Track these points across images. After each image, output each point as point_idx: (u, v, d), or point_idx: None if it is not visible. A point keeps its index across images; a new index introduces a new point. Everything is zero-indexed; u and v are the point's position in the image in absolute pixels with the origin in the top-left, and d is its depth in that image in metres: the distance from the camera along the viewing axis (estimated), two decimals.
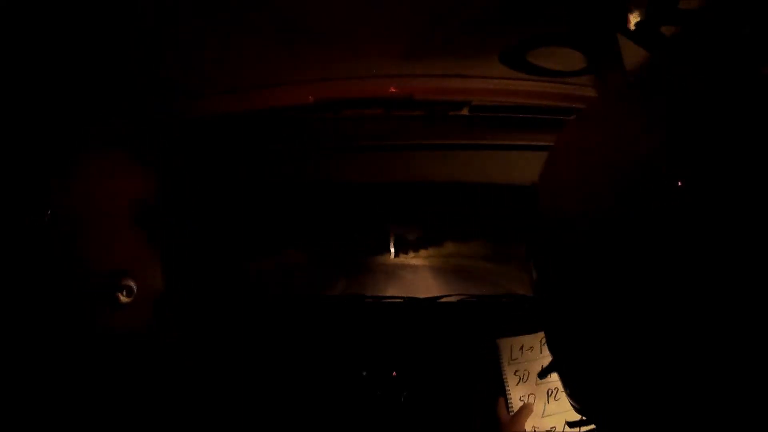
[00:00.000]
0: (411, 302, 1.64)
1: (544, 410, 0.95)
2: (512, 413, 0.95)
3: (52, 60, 0.93)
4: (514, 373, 0.98)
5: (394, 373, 1.39)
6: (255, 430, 1.35)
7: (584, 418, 0.46)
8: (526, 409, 0.94)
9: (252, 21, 0.95)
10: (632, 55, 0.87)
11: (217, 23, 0.95)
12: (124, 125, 0.91)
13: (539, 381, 0.97)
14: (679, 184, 0.34)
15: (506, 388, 0.98)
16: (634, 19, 0.77)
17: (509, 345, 1.01)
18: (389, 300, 1.64)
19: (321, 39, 1.01)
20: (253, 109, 1.23)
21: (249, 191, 1.63)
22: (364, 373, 1.39)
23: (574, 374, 0.45)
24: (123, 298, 0.63)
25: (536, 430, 0.94)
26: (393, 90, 1.17)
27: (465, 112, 1.25)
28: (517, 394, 0.97)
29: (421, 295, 1.67)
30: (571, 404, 0.47)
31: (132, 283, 0.64)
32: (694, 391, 0.35)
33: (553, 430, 0.94)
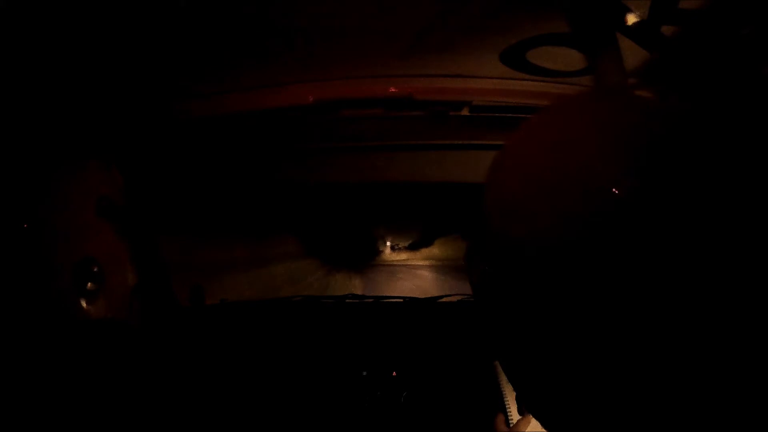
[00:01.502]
0: (411, 302, 1.64)
1: None
2: (512, 425, 0.96)
3: (51, 60, 0.93)
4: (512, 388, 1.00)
5: (394, 373, 1.39)
6: (255, 430, 1.35)
7: None
8: (524, 421, 0.95)
9: (252, 22, 0.95)
10: (632, 55, 0.87)
11: (218, 24, 0.95)
12: (116, 127, 0.91)
13: None
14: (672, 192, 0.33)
15: (505, 401, 0.99)
16: (634, 18, 0.77)
17: None
18: (389, 300, 1.64)
19: (321, 39, 1.01)
20: (253, 109, 1.23)
21: (249, 191, 1.63)
22: (364, 373, 1.39)
23: (536, 405, 0.43)
24: (91, 285, 0.65)
25: None
26: (393, 90, 1.17)
27: (465, 112, 1.25)
28: (515, 407, 0.99)
29: (421, 295, 1.67)
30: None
31: (99, 271, 0.66)
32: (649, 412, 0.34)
33: None
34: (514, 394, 0.99)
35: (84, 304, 0.66)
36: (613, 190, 0.33)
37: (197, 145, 1.37)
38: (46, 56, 0.91)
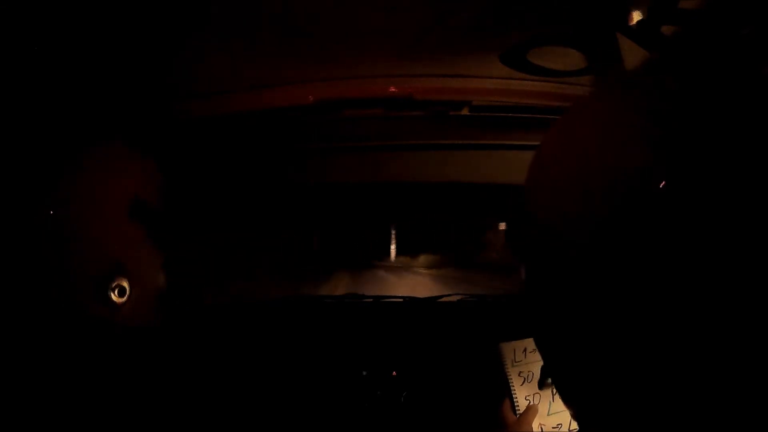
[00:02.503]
0: (411, 302, 1.64)
1: (549, 408, 0.97)
2: (518, 412, 0.96)
3: (57, 60, 0.93)
4: (519, 375, 1.01)
5: (394, 373, 1.39)
6: (255, 430, 1.35)
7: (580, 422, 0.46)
8: (532, 410, 0.96)
9: (252, 22, 0.95)
10: (632, 55, 0.87)
11: (219, 24, 0.95)
12: (127, 123, 0.90)
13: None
14: (680, 184, 0.34)
15: (511, 389, 1.00)
16: (634, 18, 0.77)
17: (512, 348, 1.03)
18: (389, 300, 1.64)
19: (321, 39, 1.01)
20: (253, 109, 1.23)
21: (249, 192, 1.63)
22: (364, 373, 1.39)
23: (565, 378, 0.45)
24: (115, 298, 0.63)
25: (543, 428, 0.96)
26: (393, 90, 1.17)
27: (465, 112, 1.25)
28: (522, 394, 0.99)
29: (421, 295, 1.67)
30: (567, 407, 0.47)
31: (125, 283, 0.64)
32: (683, 396, 0.35)
33: (558, 427, 0.96)
34: (521, 381, 0.99)
35: (107, 308, 0.64)
36: (650, 183, 0.35)
37: (196, 146, 1.37)
38: (65, 49, 0.90)
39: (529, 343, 1.02)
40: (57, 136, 0.67)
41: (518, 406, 0.98)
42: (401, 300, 1.63)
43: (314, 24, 0.95)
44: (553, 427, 0.96)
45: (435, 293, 1.67)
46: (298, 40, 1.01)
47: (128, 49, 0.99)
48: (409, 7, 0.90)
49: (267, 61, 1.10)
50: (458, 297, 1.64)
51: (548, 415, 0.97)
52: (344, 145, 1.44)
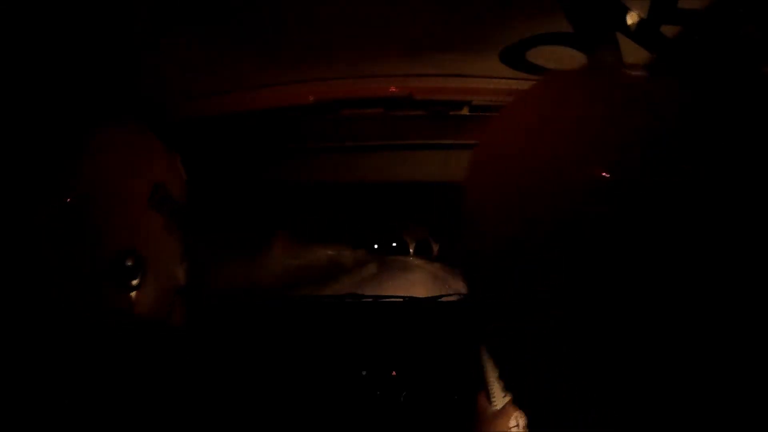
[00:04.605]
0: (411, 302, 1.64)
1: None
2: (494, 405, 0.96)
3: (66, 59, 0.93)
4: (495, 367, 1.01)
5: (394, 373, 1.39)
6: (255, 430, 1.35)
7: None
8: (512, 405, 0.96)
9: (253, 22, 0.95)
10: (632, 55, 0.87)
11: (219, 24, 0.95)
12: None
13: None
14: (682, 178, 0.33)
15: (488, 381, 0.99)
16: (634, 18, 0.77)
17: None
18: (389, 300, 1.64)
19: (321, 38, 1.01)
20: (252, 109, 1.23)
21: (249, 192, 1.63)
22: (364, 373, 1.39)
23: (516, 381, 0.45)
24: (129, 279, 0.63)
25: (519, 421, 0.96)
26: (393, 90, 1.17)
27: (465, 111, 1.25)
28: (498, 387, 0.99)
29: (421, 295, 1.67)
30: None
31: (137, 263, 0.63)
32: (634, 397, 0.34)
33: None
34: (497, 374, 0.99)
35: (120, 299, 0.64)
36: (599, 181, 0.33)
37: (196, 146, 1.37)
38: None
39: None
40: (78, 125, 0.66)
41: (494, 398, 0.98)
42: (401, 300, 1.63)
43: (314, 23, 0.96)
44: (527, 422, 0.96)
45: (435, 293, 1.67)
46: (299, 40, 1.02)
47: (131, 52, 0.99)
48: (409, 7, 0.90)
49: (267, 61, 1.10)
50: (458, 297, 1.64)
51: None
52: (344, 145, 1.45)
